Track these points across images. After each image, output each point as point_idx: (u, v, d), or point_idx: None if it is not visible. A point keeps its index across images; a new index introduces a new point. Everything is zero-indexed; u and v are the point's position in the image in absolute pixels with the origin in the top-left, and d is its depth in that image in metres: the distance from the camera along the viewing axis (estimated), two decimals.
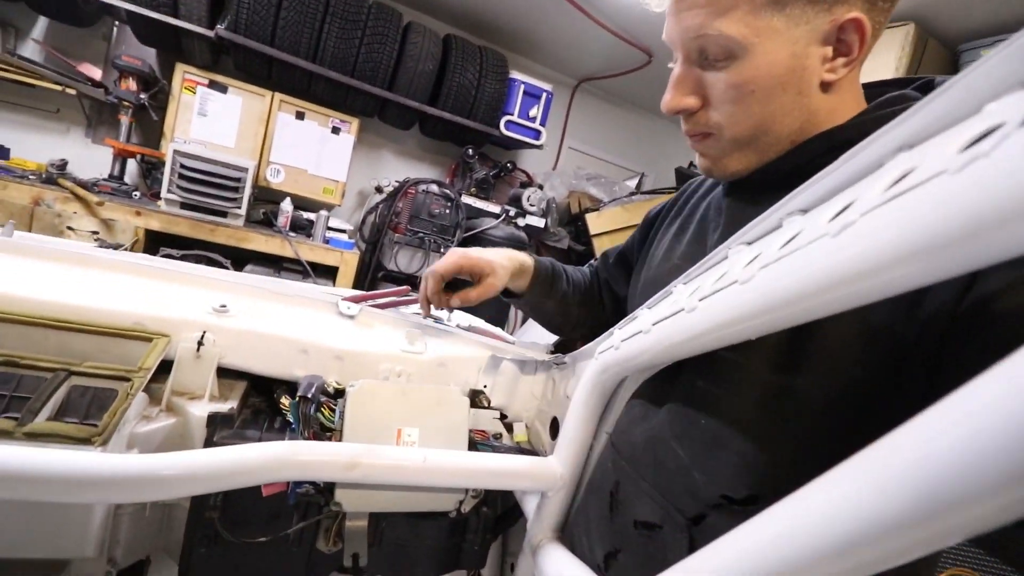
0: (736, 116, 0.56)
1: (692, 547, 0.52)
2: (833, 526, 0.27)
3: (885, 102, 0.56)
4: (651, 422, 0.61)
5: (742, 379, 0.53)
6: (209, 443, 0.67)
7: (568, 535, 0.70)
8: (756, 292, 0.38)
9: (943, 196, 0.25)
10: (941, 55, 2.24)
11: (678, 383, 0.59)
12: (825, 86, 0.55)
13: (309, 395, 0.67)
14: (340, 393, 0.72)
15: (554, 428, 0.87)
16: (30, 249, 0.74)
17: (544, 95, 3.23)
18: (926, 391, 0.41)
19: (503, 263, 0.82)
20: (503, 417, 0.89)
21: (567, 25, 2.91)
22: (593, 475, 0.70)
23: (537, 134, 3.25)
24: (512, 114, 3.16)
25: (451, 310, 0.89)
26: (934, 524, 0.23)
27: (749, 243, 0.47)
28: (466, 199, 3.10)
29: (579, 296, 0.91)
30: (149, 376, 0.64)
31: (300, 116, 2.77)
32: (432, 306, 0.85)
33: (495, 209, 3.19)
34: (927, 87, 0.57)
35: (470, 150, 3.21)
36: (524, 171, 3.65)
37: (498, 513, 0.87)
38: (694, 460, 0.54)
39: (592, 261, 0.99)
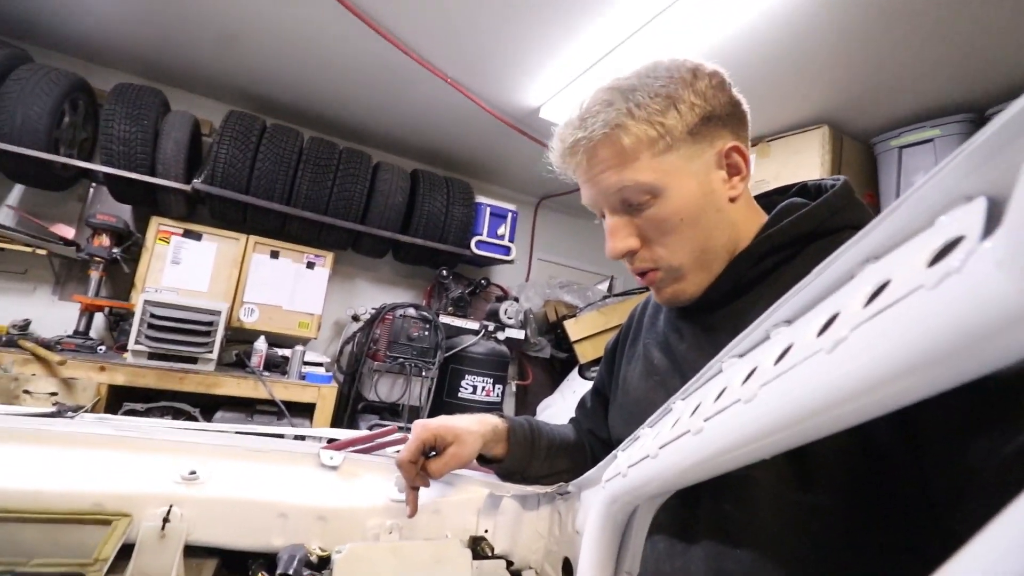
0: (675, 245, 0.64)
1: None
2: None
3: (783, 211, 0.65)
4: (683, 559, 0.57)
5: (764, 499, 0.50)
6: None
7: None
8: (761, 410, 0.37)
9: (927, 310, 0.26)
10: (857, 149, 2.51)
11: (701, 511, 0.56)
12: (733, 200, 0.64)
13: (290, 572, 0.59)
14: (325, 562, 0.65)
15: (567, 571, 0.79)
16: None
17: (510, 215, 3.42)
18: (922, 482, 0.43)
19: (470, 428, 0.77)
20: (509, 564, 0.80)
21: (523, 152, 3.17)
22: None
23: (507, 250, 3.39)
24: (481, 234, 3.31)
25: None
26: None
27: (741, 355, 0.47)
28: (444, 319, 3.12)
29: (566, 452, 0.86)
30: (106, 568, 0.57)
31: (275, 255, 2.83)
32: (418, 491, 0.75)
33: (474, 326, 3.20)
34: (803, 191, 0.70)
35: (444, 271, 3.30)
36: (499, 285, 3.74)
37: None
38: None
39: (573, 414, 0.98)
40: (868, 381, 0.29)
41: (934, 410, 0.40)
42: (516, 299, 3.45)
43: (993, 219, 0.25)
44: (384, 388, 2.88)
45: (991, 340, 0.24)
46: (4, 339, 2.17)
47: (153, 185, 2.58)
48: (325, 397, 2.55)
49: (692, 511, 0.58)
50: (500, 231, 3.39)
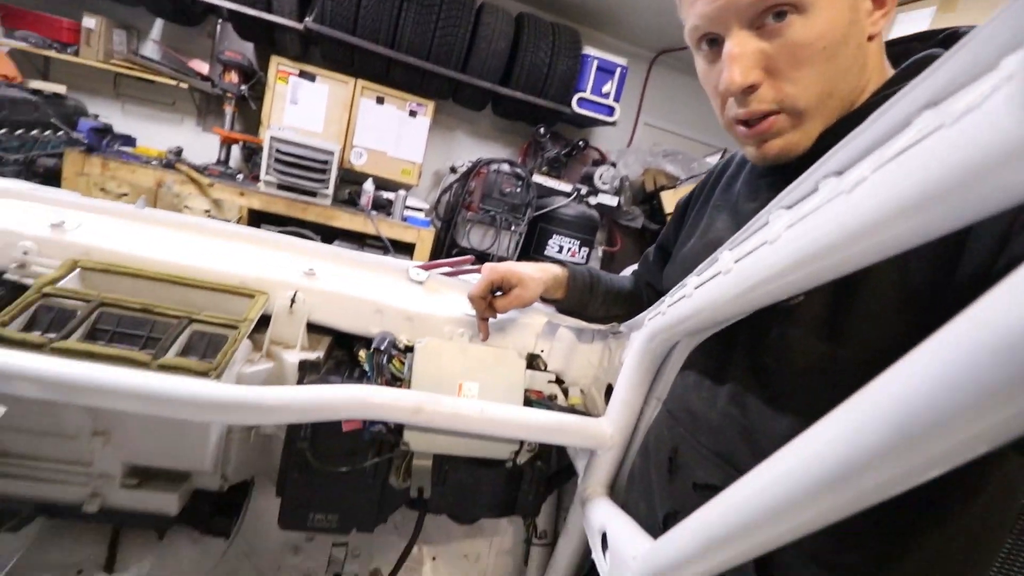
0: (807, 80, 0.53)
1: None
2: (820, 464, 0.29)
3: (915, 65, 0.54)
4: (709, 392, 0.63)
5: (791, 350, 0.54)
6: (300, 384, 0.78)
7: (624, 500, 0.73)
8: (781, 252, 0.40)
9: (938, 149, 0.26)
10: None
11: (734, 357, 0.61)
12: (870, 39, 0.54)
13: (382, 347, 0.75)
14: (409, 349, 0.81)
15: (609, 394, 0.91)
16: (158, 220, 0.88)
17: (619, 70, 3.17)
18: None
19: (534, 275, 0.86)
20: (559, 382, 0.94)
21: None
22: (647, 441, 0.73)
23: (611, 111, 3.20)
24: (585, 91, 3.13)
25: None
26: (913, 452, 0.25)
27: (788, 207, 0.48)
28: (537, 178, 3.14)
29: (622, 299, 0.94)
30: (252, 326, 0.76)
31: (380, 101, 2.92)
32: (487, 321, 0.89)
33: (567, 188, 3.19)
34: (952, 39, 0.54)
35: (542, 129, 3.23)
36: (597, 149, 3.61)
37: (552, 470, 0.93)
38: (754, 425, 0.56)
39: (635, 266, 1.02)
40: (872, 220, 0.31)
41: None
42: (613, 164, 3.35)
43: None
44: (476, 237, 3.07)
45: (991, 176, 0.25)
46: (164, 162, 2.56)
47: (270, 23, 2.69)
48: (423, 239, 2.80)
49: (727, 355, 0.62)
50: (606, 88, 3.18)
